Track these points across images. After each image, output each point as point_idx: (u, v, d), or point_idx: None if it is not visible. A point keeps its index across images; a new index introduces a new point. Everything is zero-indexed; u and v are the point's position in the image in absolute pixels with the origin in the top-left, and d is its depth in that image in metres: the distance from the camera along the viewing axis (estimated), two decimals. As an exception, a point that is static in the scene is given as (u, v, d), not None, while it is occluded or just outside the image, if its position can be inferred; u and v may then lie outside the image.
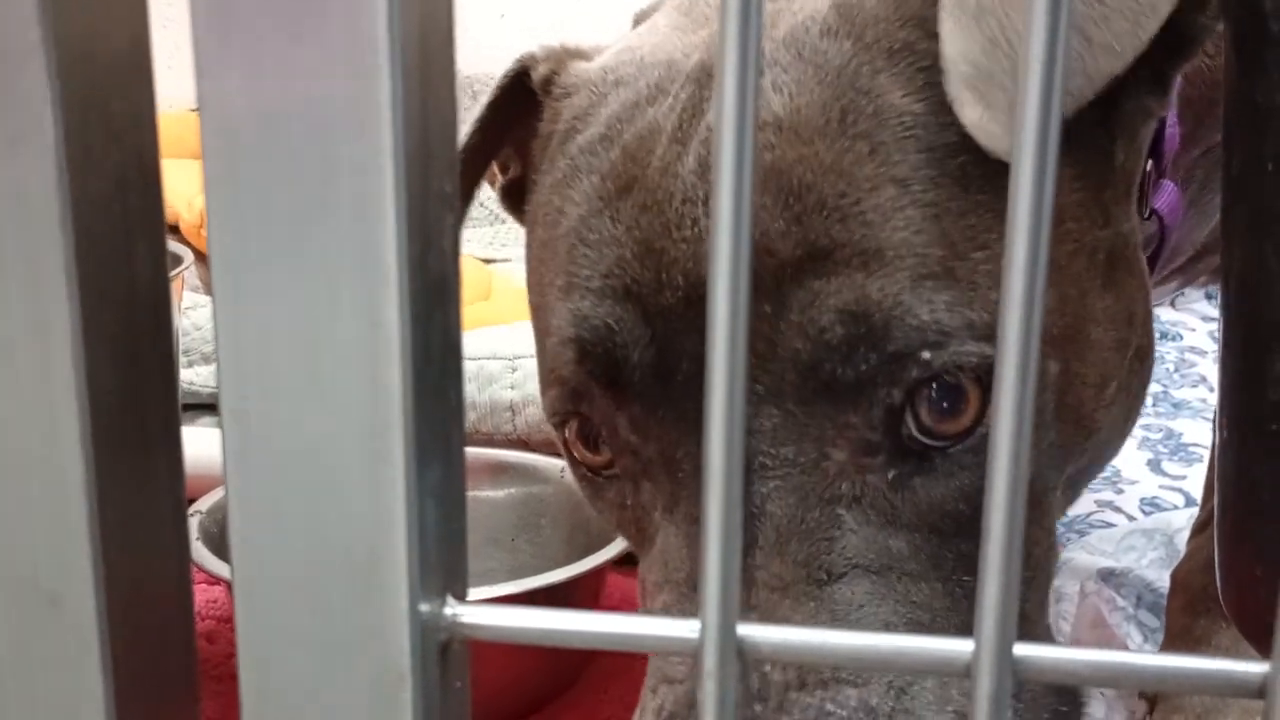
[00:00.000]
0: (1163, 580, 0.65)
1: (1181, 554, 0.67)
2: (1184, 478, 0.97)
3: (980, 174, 0.35)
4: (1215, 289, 0.69)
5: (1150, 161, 0.44)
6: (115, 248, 0.22)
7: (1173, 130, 0.47)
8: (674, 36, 0.42)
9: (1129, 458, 1.03)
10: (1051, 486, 0.39)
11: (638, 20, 0.49)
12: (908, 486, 0.35)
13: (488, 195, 1.42)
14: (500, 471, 0.68)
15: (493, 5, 1.91)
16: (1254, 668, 0.21)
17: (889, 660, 0.21)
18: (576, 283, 0.38)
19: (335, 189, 0.19)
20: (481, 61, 1.95)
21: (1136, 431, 1.10)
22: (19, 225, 0.21)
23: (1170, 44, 0.34)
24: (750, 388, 0.35)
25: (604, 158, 0.39)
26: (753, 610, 0.34)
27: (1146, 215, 0.47)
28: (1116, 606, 0.66)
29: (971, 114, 0.32)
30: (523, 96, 0.46)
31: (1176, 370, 1.28)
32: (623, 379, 0.37)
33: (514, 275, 1.15)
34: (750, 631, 0.21)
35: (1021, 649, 0.20)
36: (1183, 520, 0.78)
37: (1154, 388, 1.23)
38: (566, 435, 0.41)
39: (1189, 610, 0.60)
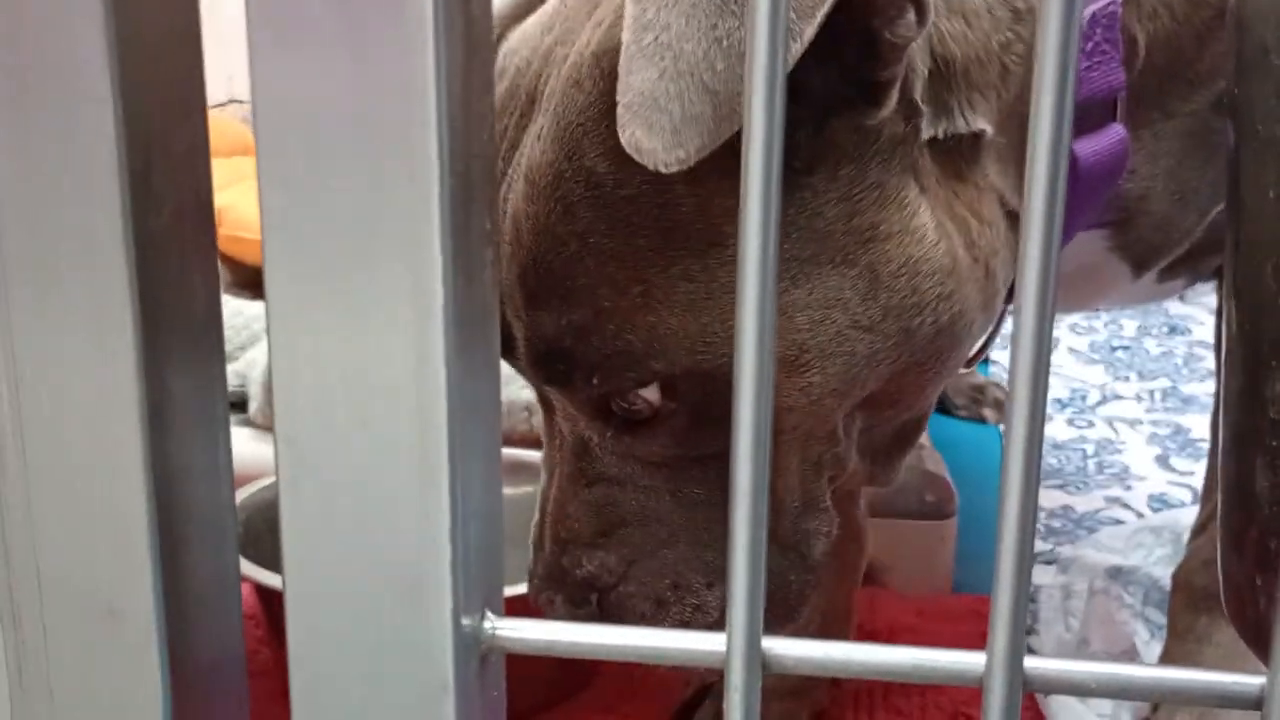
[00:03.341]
0: (1169, 578, 0.66)
1: (1187, 552, 0.68)
2: (1192, 474, 0.98)
3: (644, 221, 0.42)
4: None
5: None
6: (173, 279, 0.23)
7: (1108, 75, 0.48)
8: (535, 34, 0.46)
9: (1137, 453, 1.04)
10: (782, 443, 0.46)
11: None
12: (624, 440, 0.47)
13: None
14: (518, 470, 0.69)
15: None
16: (1252, 680, 0.22)
17: (908, 672, 0.22)
18: None
19: (385, 230, 0.21)
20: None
21: (1144, 427, 1.11)
22: (85, 260, 0.22)
23: (869, 52, 0.39)
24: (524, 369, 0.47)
25: None
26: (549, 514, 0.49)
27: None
28: (1124, 604, 0.67)
29: (626, 134, 0.37)
30: None
31: (1185, 365, 1.29)
32: (507, 350, 0.47)
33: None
34: (774, 645, 0.22)
35: (1031, 662, 0.22)
36: (1190, 517, 0.79)
37: (1162, 383, 1.24)
38: None
39: (1191, 609, 0.61)
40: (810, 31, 0.37)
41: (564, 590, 0.48)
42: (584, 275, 0.43)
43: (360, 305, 0.21)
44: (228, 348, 0.92)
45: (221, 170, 1.21)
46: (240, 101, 1.69)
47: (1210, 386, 1.22)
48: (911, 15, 0.39)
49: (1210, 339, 1.33)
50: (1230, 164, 0.33)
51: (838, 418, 0.46)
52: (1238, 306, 0.32)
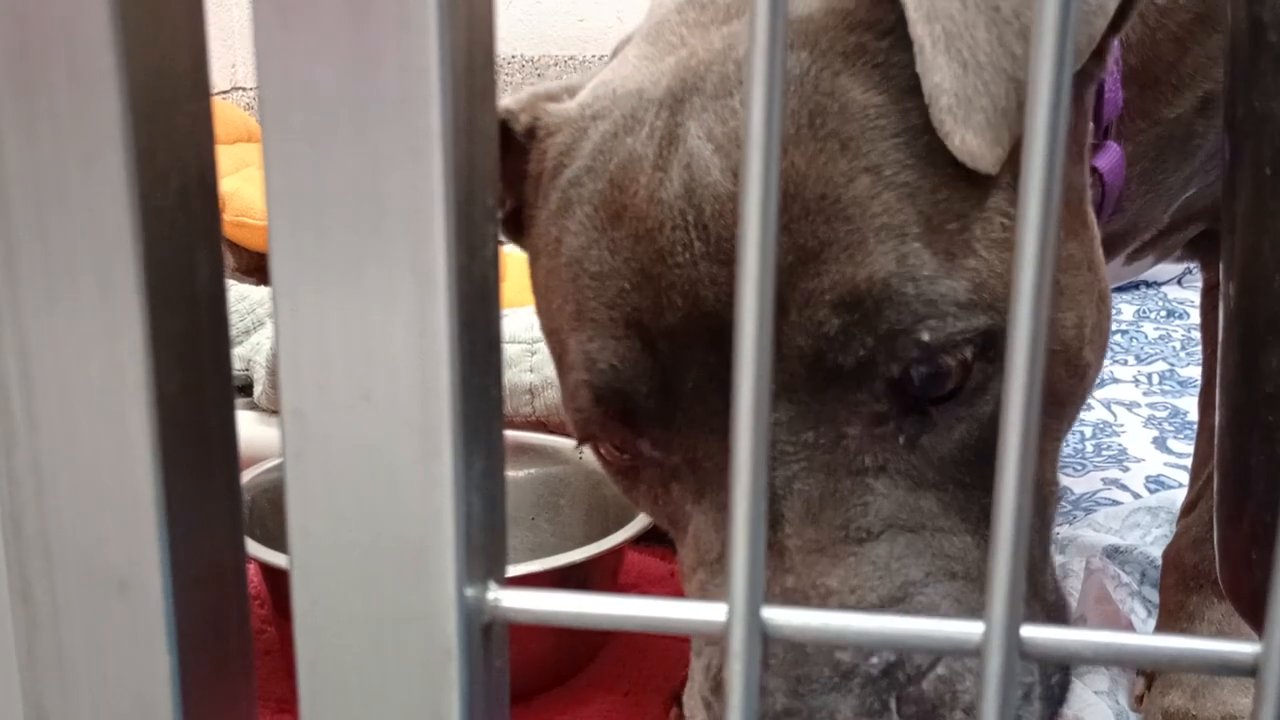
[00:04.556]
0: (1166, 557, 0.67)
1: (1182, 532, 0.68)
2: (1189, 455, 0.98)
3: (943, 151, 0.37)
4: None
5: (1090, 125, 0.47)
6: (178, 257, 0.23)
7: (1113, 95, 0.49)
8: (643, 66, 0.43)
9: (1135, 436, 1.05)
10: (1054, 434, 0.42)
11: (613, 55, 0.50)
12: (919, 446, 0.38)
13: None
14: (520, 452, 0.69)
15: (501, -15, 1.91)
16: (1246, 648, 0.22)
17: (905, 641, 0.22)
18: (584, 313, 0.41)
19: (388, 205, 0.21)
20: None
21: (1143, 410, 1.12)
22: (92, 239, 0.22)
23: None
24: None
25: (592, 188, 0.41)
26: (788, 574, 0.36)
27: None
28: (1121, 583, 0.68)
29: (956, 140, 0.35)
30: (506, 141, 0.47)
31: (1183, 348, 1.29)
32: (636, 412, 0.40)
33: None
34: (773, 615, 0.23)
35: (1029, 630, 0.22)
36: (1186, 498, 0.80)
37: (1160, 366, 1.24)
38: (598, 447, 0.44)
39: (1182, 587, 0.62)
40: (1113, 4, 0.36)
41: (850, 699, 0.34)
42: (885, 212, 0.36)
43: (364, 280, 0.21)
44: (233, 332, 0.93)
45: (225, 157, 1.22)
46: (244, 89, 1.69)
47: (1208, 370, 1.22)
48: None
49: (1208, 322, 1.33)
50: (1226, 141, 0.33)
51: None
52: (1234, 283, 0.32)
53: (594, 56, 1.85)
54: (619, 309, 0.39)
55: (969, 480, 0.38)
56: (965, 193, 0.37)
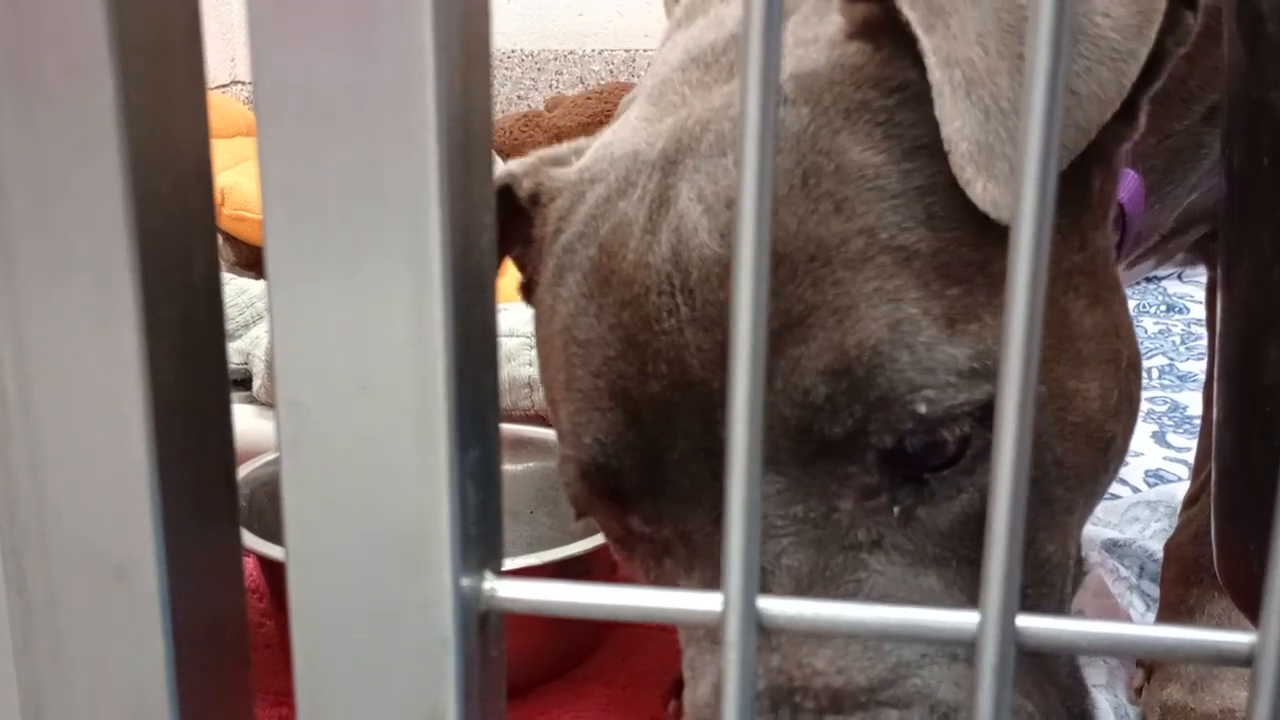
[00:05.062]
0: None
1: (1182, 526, 0.68)
2: (1188, 450, 0.98)
3: (947, 213, 0.36)
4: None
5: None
6: (174, 247, 0.23)
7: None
8: (642, 127, 0.43)
9: (1134, 430, 1.05)
10: (1073, 507, 0.40)
11: (618, 115, 0.50)
12: (915, 519, 0.36)
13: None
14: (519, 446, 0.69)
15: (501, -19, 1.91)
16: (1242, 638, 0.22)
17: (900, 632, 0.22)
18: (573, 382, 0.40)
19: (384, 196, 0.21)
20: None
21: (1142, 404, 1.12)
22: (87, 228, 0.22)
23: (1140, 74, 0.36)
24: None
25: (584, 254, 0.41)
26: (774, 653, 0.35)
27: None
28: (1120, 576, 0.68)
29: (978, 189, 0.33)
30: (512, 206, 0.47)
31: (1183, 343, 1.29)
32: (623, 488, 0.39)
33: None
34: (769, 605, 0.23)
35: (1024, 620, 0.22)
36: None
37: (1160, 360, 1.24)
38: (597, 518, 0.44)
39: (1182, 581, 0.62)
40: (1144, 51, 0.34)
41: None
42: (879, 277, 0.35)
43: (360, 270, 0.21)
44: (232, 326, 0.93)
45: (224, 151, 1.22)
46: (243, 83, 1.69)
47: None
48: (1190, 17, 0.36)
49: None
50: (1224, 134, 0.33)
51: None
52: (1233, 274, 0.32)
53: (593, 51, 1.85)
54: (605, 377, 0.39)
55: (974, 555, 0.36)
56: (968, 256, 0.36)
